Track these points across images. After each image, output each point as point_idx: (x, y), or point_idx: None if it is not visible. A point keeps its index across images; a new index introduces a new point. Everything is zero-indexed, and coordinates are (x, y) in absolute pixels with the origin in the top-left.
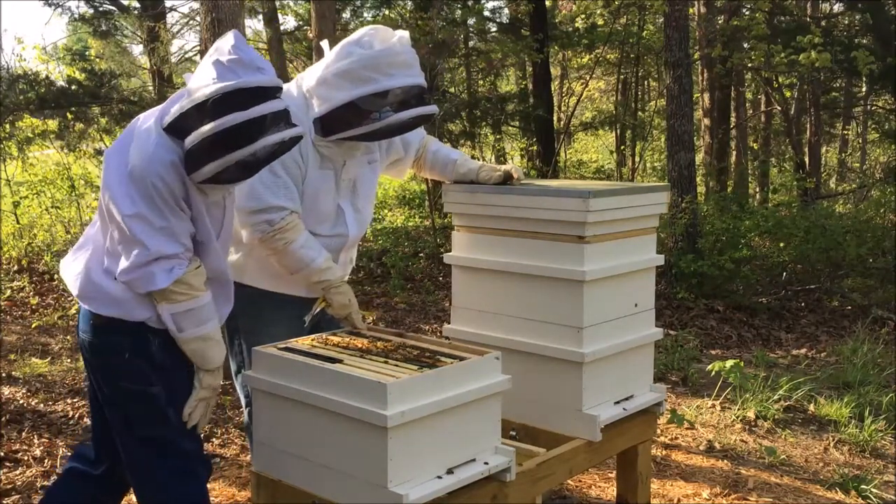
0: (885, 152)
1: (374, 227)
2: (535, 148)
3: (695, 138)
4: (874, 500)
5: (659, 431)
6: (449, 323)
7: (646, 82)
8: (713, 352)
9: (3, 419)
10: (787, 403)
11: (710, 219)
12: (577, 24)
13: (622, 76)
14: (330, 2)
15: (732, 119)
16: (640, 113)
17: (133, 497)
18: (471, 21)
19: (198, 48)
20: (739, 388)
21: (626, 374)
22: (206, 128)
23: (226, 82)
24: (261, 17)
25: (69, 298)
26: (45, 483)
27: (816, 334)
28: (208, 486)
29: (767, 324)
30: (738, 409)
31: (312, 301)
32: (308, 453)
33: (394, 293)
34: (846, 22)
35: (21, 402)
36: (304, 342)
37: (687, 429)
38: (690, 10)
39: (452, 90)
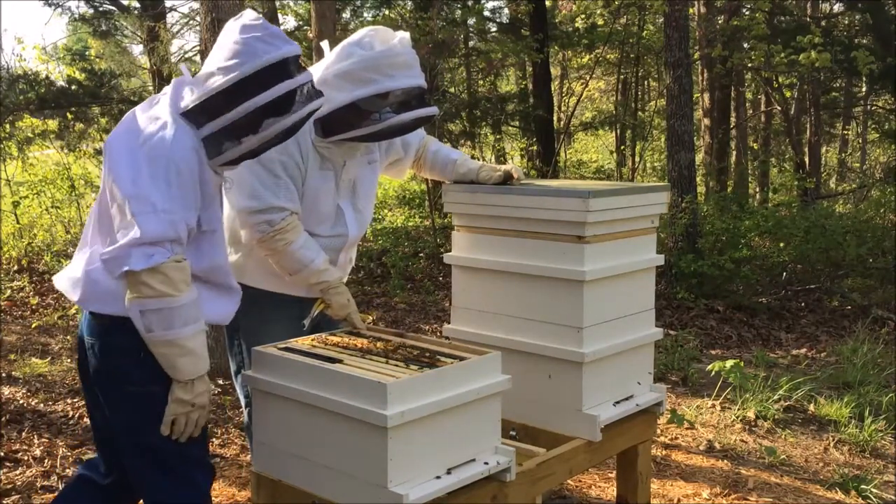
0: (885, 152)
1: (374, 227)
2: (535, 148)
3: (695, 138)
4: (874, 500)
5: (659, 431)
6: (449, 323)
7: (646, 82)
8: (713, 352)
9: (3, 419)
10: (787, 403)
11: (710, 219)
12: (577, 24)
13: (622, 76)
14: (330, 2)
15: (732, 119)
16: (640, 113)
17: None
18: (471, 21)
19: (198, 48)
20: (739, 388)
21: (626, 374)
22: (253, 101)
23: (266, 56)
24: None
25: (69, 299)
26: (45, 483)
27: (816, 334)
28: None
29: (767, 324)
30: (738, 409)
31: (312, 301)
32: (308, 453)
33: (394, 293)
34: (846, 22)
35: (21, 402)
36: (304, 342)
37: (687, 429)
38: (690, 10)
39: (452, 90)
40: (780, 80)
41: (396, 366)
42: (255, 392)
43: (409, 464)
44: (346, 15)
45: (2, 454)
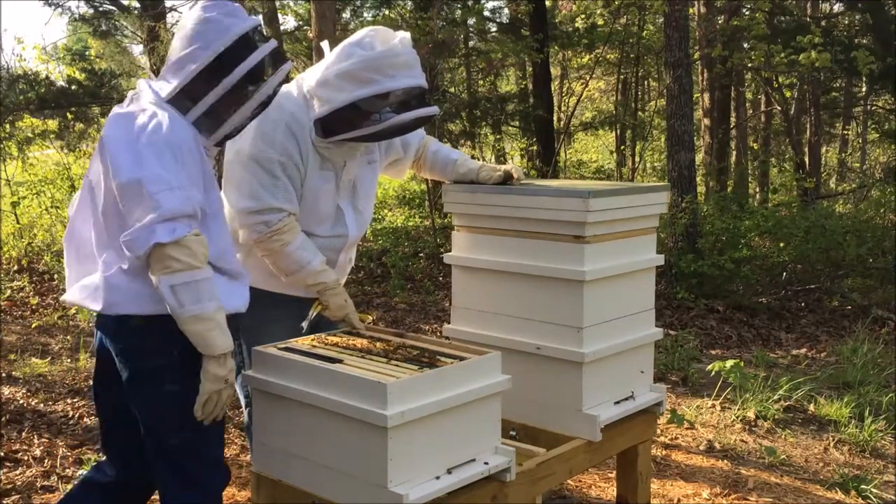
0: (885, 152)
1: (374, 227)
2: (535, 148)
3: (695, 138)
4: (874, 500)
5: (659, 431)
6: (449, 323)
7: (646, 82)
8: (713, 352)
9: (3, 419)
10: (787, 403)
11: (710, 219)
12: (577, 24)
13: (622, 76)
14: (330, 2)
15: (732, 119)
16: (640, 113)
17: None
18: (471, 21)
19: None
20: (739, 388)
21: (626, 374)
22: (233, 75)
23: (234, 29)
24: (261, 17)
25: (89, 309)
26: (46, 483)
27: (816, 334)
28: None
29: (767, 324)
30: (738, 409)
31: (312, 301)
32: (308, 453)
33: (394, 293)
34: (846, 22)
35: (21, 402)
36: (304, 342)
37: (687, 429)
38: (690, 10)
39: (452, 90)
40: (780, 80)
41: (397, 366)
42: (255, 392)
43: (409, 464)
44: (346, 15)
45: (2, 454)
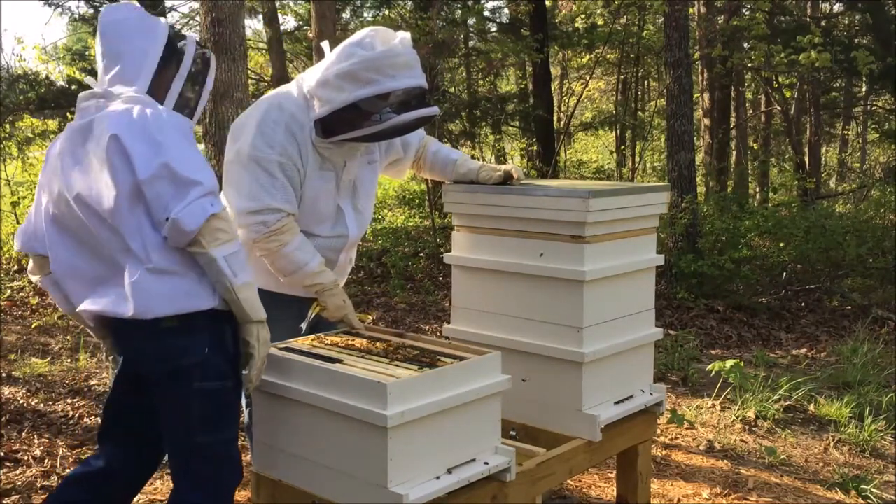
0: (885, 152)
1: (374, 227)
2: (535, 148)
3: (695, 138)
4: (874, 500)
5: (659, 431)
6: (449, 323)
7: (646, 82)
8: (713, 352)
9: (3, 419)
10: (787, 403)
11: (710, 219)
12: (577, 24)
13: (622, 76)
14: (330, 2)
15: (732, 119)
16: (640, 113)
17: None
18: (471, 21)
19: None
20: (739, 388)
21: (626, 374)
22: (180, 73)
23: (164, 32)
24: (261, 17)
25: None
26: (46, 483)
27: (816, 334)
28: None
29: (767, 324)
30: (738, 409)
31: (312, 301)
32: (308, 453)
33: (394, 293)
34: (846, 22)
35: (21, 402)
36: (304, 342)
37: (687, 429)
38: (690, 10)
39: (452, 90)
40: (780, 80)
41: (397, 366)
42: (256, 392)
43: (409, 464)
44: (346, 15)
45: (2, 454)
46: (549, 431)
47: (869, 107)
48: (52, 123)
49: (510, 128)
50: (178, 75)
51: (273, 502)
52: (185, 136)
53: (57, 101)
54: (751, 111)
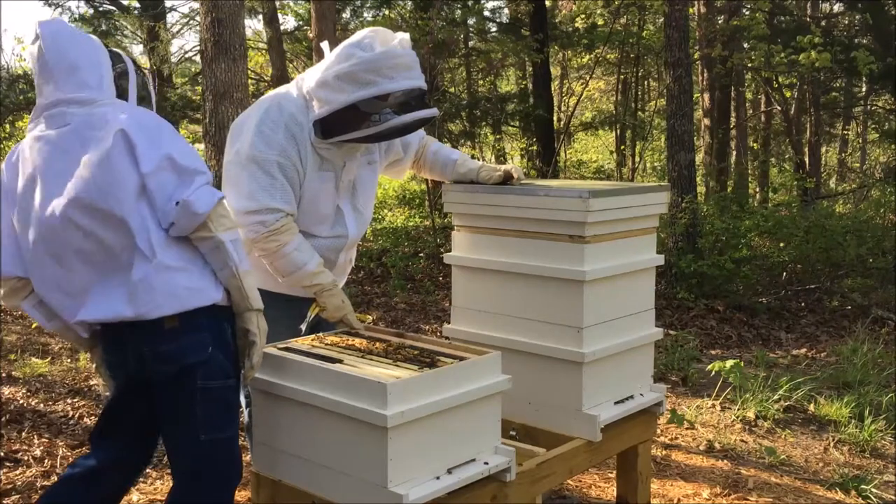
0: (885, 152)
1: (374, 227)
2: (535, 148)
3: (695, 138)
4: (874, 500)
5: (659, 431)
6: (449, 323)
7: (646, 82)
8: (713, 352)
9: (3, 419)
10: (787, 403)
11: (710, 219)
12: (577, 24)
13: (622, 76)
14: (330, 2)
15: (732, 119)
16: (640, 113)
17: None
18: (471, 21)
19: (198, 48)
20: (739, 388)
21: (626, 374)
22: (131, 81)
23: (99, 46)
24: (261, 17)
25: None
26: (46, 483)
27: (816, 334)
28: None
29: (767, 324)
30: (738, 409)
31: (312, 301)
32: (308, 453)
33: (394, 293)
34: (846, 22)
35: (21, 402)
36: (304, 342)
37: (687, 429)
38: (690, 10)
39: (452, 90)
40: (780, 80)
41: (397, 366)
42: (255, 392)
43: (409, 464)
44: (346, 15)
45: (2, 454)
46: (549, 431)
47: (869, 107)
48: None
49: (510, 128)
50: (130, 83)
51: (273, 502)
52: (178, 134)
53: None
54: (751, 111)
